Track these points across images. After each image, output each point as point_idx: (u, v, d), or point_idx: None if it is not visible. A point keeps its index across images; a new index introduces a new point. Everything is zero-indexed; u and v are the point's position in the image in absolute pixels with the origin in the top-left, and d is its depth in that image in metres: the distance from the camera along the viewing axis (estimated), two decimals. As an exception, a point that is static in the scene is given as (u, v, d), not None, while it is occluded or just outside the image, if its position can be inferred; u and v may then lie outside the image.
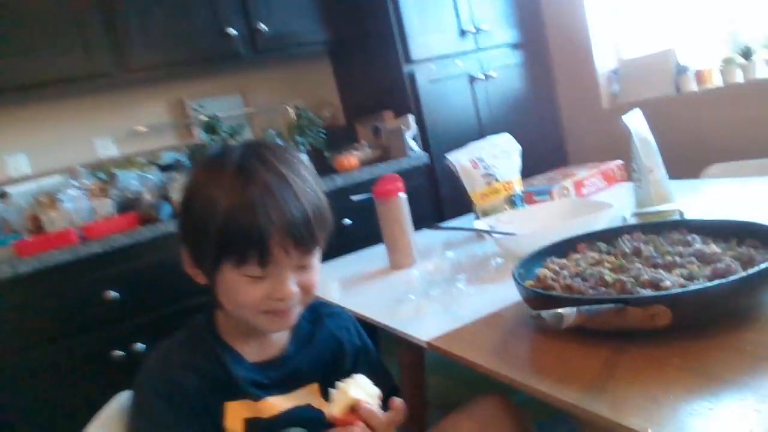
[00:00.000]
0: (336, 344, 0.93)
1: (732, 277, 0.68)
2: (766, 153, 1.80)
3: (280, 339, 0.89)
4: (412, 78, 2.46)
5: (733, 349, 0.65)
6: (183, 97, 2.60)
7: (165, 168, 2.29)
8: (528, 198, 1.59)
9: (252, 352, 0.87)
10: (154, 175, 2.24)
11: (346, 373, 0.92)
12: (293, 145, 2.41)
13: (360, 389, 0.74)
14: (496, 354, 0.81)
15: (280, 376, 0.86)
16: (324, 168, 2.60)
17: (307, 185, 0.81)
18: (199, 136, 2.51)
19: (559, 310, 0.63)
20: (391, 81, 2.54)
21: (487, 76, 2.61)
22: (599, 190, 1.69)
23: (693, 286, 0.69)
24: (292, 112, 2.72)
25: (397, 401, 0.76)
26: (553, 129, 2.82)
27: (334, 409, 0.73)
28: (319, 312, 0.94)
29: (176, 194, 2.12)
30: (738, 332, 0.68)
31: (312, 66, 2.91)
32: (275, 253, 0.77)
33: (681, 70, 2.31)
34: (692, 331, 0.69)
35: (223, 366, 0.83)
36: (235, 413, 0.82)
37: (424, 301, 1.06)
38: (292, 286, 0.80)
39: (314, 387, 0.88)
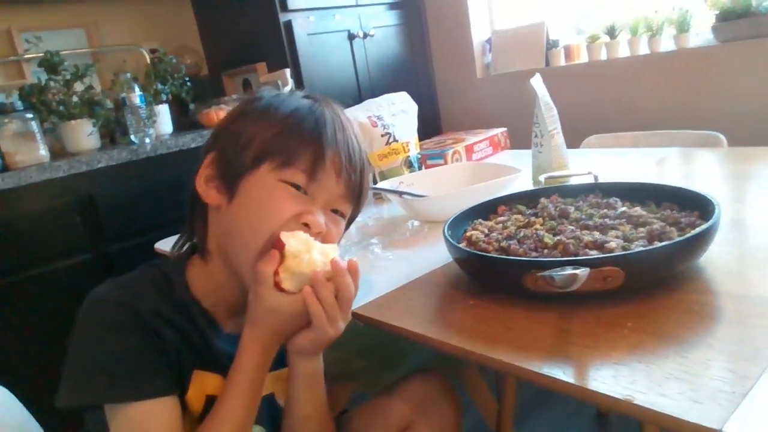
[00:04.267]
0: None
1: (682, 237, 0.68)
2: (631, 125, 1.95)
3: None
4: (289, 28, 2.29)
5: (681, 309, 0.65)
6: (11, 27, 2.17)
7: (-12, 111, 1.89)
8: (422, 161, 1.55)
9: (229, 324, 0.74)
10: (-26, 119, 1.83)
11: None
12: (152, 92, 2.13)
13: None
14: (435, 322, 0.74)
15: None
16: (189, 123, 2.35)
17: (363, 149, 0.76)
18: (32, 74, 2.12)
19: (575, 271, 0.58)
20: (264, 30, 2.34)
21: (365, 34, 2.52)
22: (487, 156, 1.70)
23: (650, 247, 0.68)
24: (147, 55, 2.42)
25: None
26: (427, 96, 2.82)
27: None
28: None
29: (6, 143, 1.77)
30: (679, 293, 0.68)
31: (170, 4, 2.59)
32: (327, 168, 0.69)
33: (551, 45, 2.42)
34: (638, 292, 0.68)
35: (197, 329, 0.69)
36: (202, 385, 0.70)
37: (337, 267, 0.96)
38: (323, 219, 0.70)
39: (285, 373, 0.76)
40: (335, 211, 0.74)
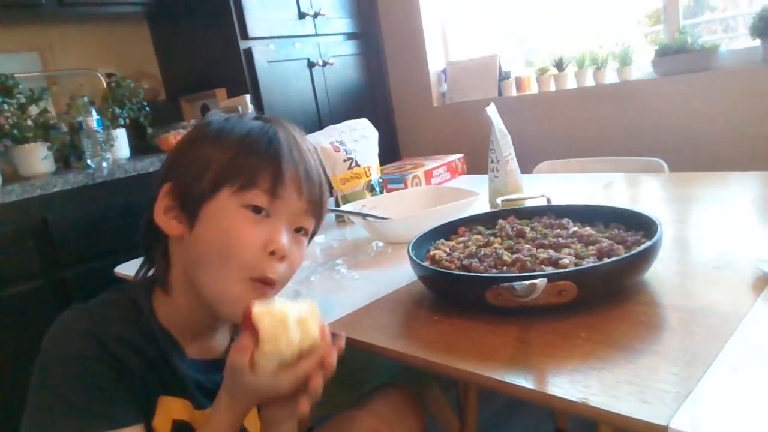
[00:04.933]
0: None
1: (629, 254, 0.73)
2: (579, 152, 2.06)
3: (221, 340, 0.77)
4: (249, 56, 2.32)
5: (629, 321, 0.71)
6: (-39, 49, 2.12)
7: (-65, 134, 1.84)
8: (383, 185, 1.59)
9: (192, 349, 0.73)
10: None
11: None
12: (110, 116, 2.11)
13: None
14: (401, 337, 0.77)
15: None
16: (147, 147, 2.33)
17: (319, 165, 0.76)
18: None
19: (534, 281, 0.62)
20: (224, 57, 2.37)
21: (325, 63, 2.57)
22: (445, 180, 1.76)
23: (600, 263, 0.73)
24: (103, 79, 2.40)
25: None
26: (386, 123, 2.88)
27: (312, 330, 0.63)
28: None
29: (-45, 166, 1.72)
30: (628, 305, 0.74)
31: (127, 28, 2.59)
32: (288, 186, 0.69)
33: (503, 76, 2.53)
34: (590, 305, 0.73)
35: (163, 355, 0.69)
36: (168, 410, 0.69)
37: (303, 288, 0.99)
38: (287, 242, 0.69)
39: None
40: (299, 230, 0.74)
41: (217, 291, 0.69)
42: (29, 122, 1.93)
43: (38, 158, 1.91)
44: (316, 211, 0.75)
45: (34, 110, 1.96)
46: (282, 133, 0.72)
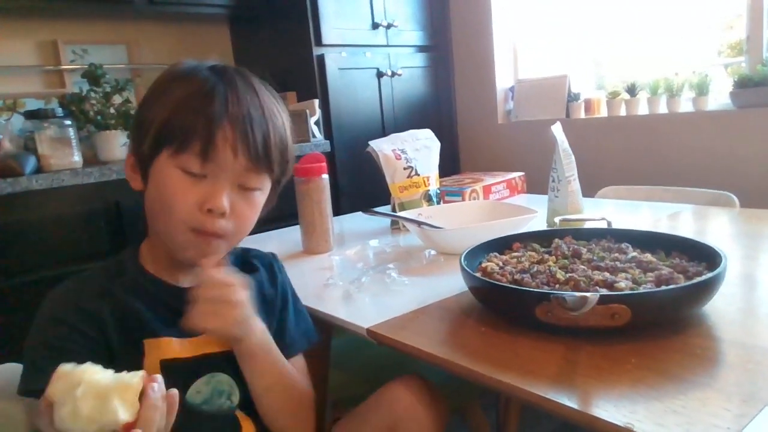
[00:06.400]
0: (265, 293, 0.86)
1: (688, 283, 0.71)
2: (646, 179, 2.00)
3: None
4: (321, 62, 2.38)
5: (684, 351, 0.68)
6: (58, 39, 2.28)
7: (29, 116, 1.97)
8: (440, 196, 1.59)
9: (188, 280, 0.79)
10: (15, 122, 1.92)
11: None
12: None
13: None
14: (446, 344, 0.78)
15: None
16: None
17: (277, 110, 0.76)
18: (73, 84, 2.22)
19: (585, 294, 0.62)
20: (298, 61, 2.44)
21: (393, 73, 2.61)
22: (503, 197, 1.75)
23: (657, 290, 0.71)
24: (183, 76, 2.51)
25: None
26: (449, 136, 2.89)
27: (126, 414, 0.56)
28: (245, 257, 0.88)
29: (43, 146, 1.84)
30: (683, 336, 0.72)
31: (208, 29, 2.71)
32: (220, 148, 0.69)
33: (572, 97, 2.49)
34: (643, 332, 0.72)
35: (150, 299, 0.75)
36: (157, 351, 0.73)
37: (354, 288, 1.00)
38: (226, 201, 0.71)
39: None
40: (248, 188, 0.74)
41: (167, 239, 0.74)
42: (112, 110, 2.05)
43: (117, 145, 2.03)
44: (262, 167, 0.73)
45: (117, 99, 2.08)
46: (221, 89, 0.71)
